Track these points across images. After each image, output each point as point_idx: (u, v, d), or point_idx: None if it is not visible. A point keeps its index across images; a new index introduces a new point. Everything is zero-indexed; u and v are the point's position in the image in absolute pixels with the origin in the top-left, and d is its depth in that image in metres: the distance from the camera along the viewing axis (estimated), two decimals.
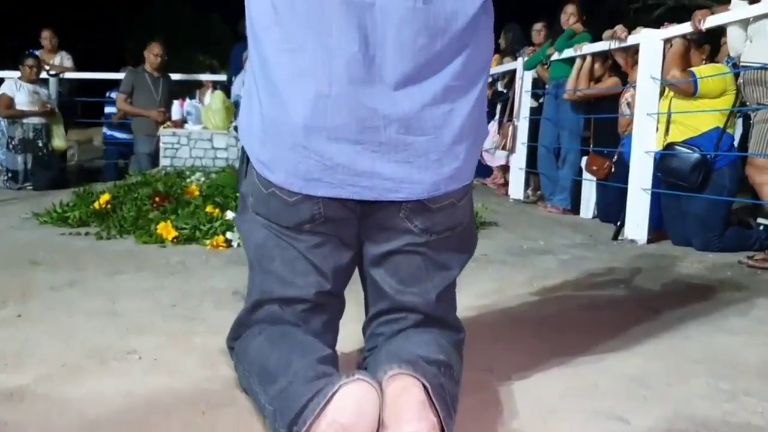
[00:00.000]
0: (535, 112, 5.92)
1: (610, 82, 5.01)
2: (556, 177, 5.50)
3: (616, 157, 4.81)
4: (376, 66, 1.21)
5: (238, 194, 4.11)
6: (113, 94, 7.41)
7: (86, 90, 8.19)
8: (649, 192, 4.12)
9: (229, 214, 3.65)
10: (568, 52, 5.24)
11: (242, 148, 1.42)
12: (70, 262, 2.83)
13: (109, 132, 7.41)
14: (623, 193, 4.31)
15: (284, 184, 1.26)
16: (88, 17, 24.31)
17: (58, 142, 6.76)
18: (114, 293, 2.33)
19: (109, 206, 3.81)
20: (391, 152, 1.23)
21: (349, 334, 1.56)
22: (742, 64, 3.56)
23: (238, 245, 3.39)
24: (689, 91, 3.85)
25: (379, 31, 1.20)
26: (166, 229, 3.38)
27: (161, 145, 5.24)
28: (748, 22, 3.52)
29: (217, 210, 3.68)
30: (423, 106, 1.23)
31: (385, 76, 1.22)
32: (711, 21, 3.69)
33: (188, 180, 4.67)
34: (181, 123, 5.39)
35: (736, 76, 3.77)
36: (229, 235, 3.39)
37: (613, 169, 4.83)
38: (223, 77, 7.69)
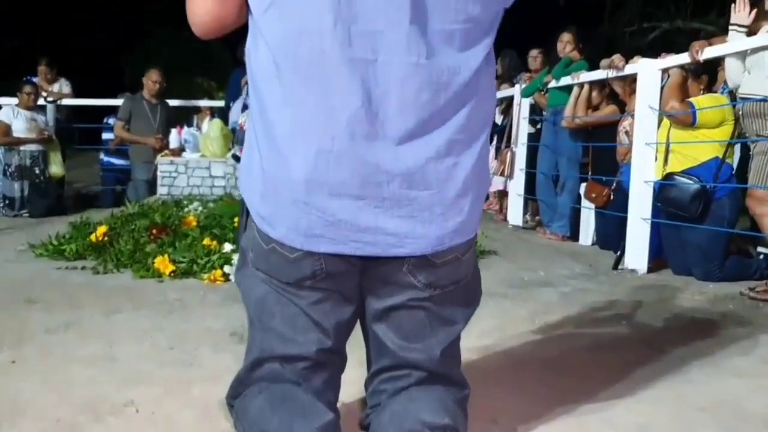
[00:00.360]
0: (533, 138, 5.92)
1: (608, 110, 5.02)
2: (554, 204, 5.49)
3: (614, 184, 4.81)
4: (379, 122, 1.19)
5: (236, 223, 4.12)
6: (111, 121, 7.41)
7: (84, 115, 8.19)
8: (649, 221, 4.11)
9: (227, 247, 3.63)
10: (565, 80, 5.25)
11: (242, 199, 1.40)
12: (67, 300, 2.80)
13: (106, 158, 7.38)
14: (622, 220, 4.30)
15: (285, 240, 1.24)
16: (87, 40, 24.46)
17: (56, 168, 6.75)
18: (111, 335, 2.30)
19: (105, 239, 3.78)
20: (394, 207, 1.21)
21: (351, 379, 1.53)
22: (740, 95, 3.56)
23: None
24: (688, 121, 3.85)
25: (381, 87, 1.19)
26: (163, 263, 3.35)
27: (159, 173, 5.23)
28: (746, 54, 3.53)
29: (214, 242, 3.66)
30: (427, 161, 1.21)
31: (388, 132, 1.20)
32: (709, 52, 3.70)
33: (186, 210, 4.64)
34: (179, 151, 5.37)
35: (735, 106, 3.77)
36: (226, 269, 3.37)
37: (611, 197, 4.83)
38: (221, 103, 7.69)
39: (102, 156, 7.44)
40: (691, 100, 3.89)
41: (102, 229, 3.85)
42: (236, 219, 4.22)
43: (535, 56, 6.15)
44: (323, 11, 1.16)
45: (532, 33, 7.32)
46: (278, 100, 1.21)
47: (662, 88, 4.12)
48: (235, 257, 3.53)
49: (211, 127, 5.46)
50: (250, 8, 1.25)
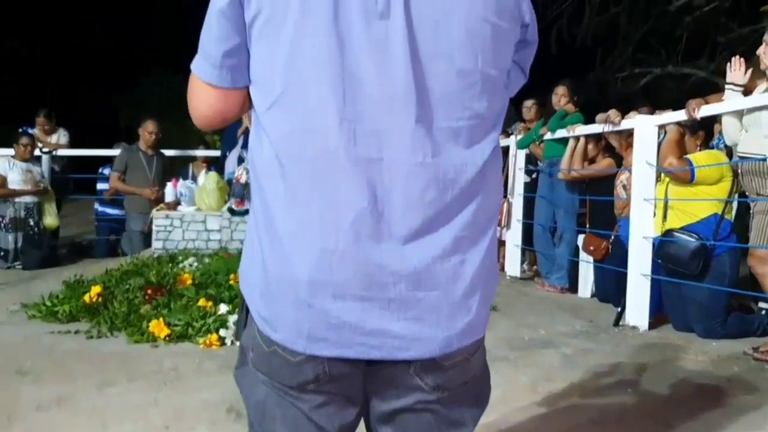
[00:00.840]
0: (529, 188, 5.92)
1: (604, 164, 5.03)
2: (552, 255, 5.46)
3: (612, 237, 4.79)
4: (384, 221, 1.16)
5: (231, 280, 4.07)
6: (106, 171, 7.39)
7: (79, 165, 8.19)
8: (649, 278, 4.08)
9: (222, 308, 3.57)
10: (561, 133, 5.27)
11: (241, 295, 1.36)
12: (59, 370, 2.73)
13: (100, 208, 7.36)
14: (621, 273, 4.28)
15: (287, 343, 1.20)
16: (83, 85, 24.64)
17: (50, 220, 6.71)
18: (104, 412, 2.24)
19: (99, 299, 3.72)
20: (400, 309, 1.17)
21: None
22: (739, 154, 3.56)
23: (232, 342, 3.30)
24: (686, 178, 3.85)
25: (387, 186, 1.16)
26: (158, 327, 3.29)
27: (154, 227, 5.18)
28: (743, 113, 3.54)
29: (210, 303, 3.61)
30: (433, 260, 1.18)
31: (393, 231, 1.17)
32: (705, 111, 3.72)
33: (181, 265, 4.59)
34: (175, 204, 5.34)
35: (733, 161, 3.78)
36: (222, 332, 3.31)
37: (610, 250, 4.80)
38: (217, 152, 7.69)
39: (97, 206, 7.41)
40: (689, 157, 3.89)
41: (96, 290, 3.79)
42: (231, 276, 4.18)
43: (529, 107, 6.19)
44: (328, 111, 1.14)
45: (525, 83, 7.36)
46: (282, 197, 1.19)
47: (659, 143, 4.13)
48: (231, 318, 3.48)
49: (207, 179, 5.44)
50: (253, 104, 1.23)
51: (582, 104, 5.40)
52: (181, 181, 5.56)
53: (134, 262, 4.73)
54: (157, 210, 5.31)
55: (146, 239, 6.51)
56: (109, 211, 7.26)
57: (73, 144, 7.87)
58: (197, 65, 1.24)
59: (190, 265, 4.60)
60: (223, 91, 1.23)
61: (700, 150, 4.04)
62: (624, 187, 4.59)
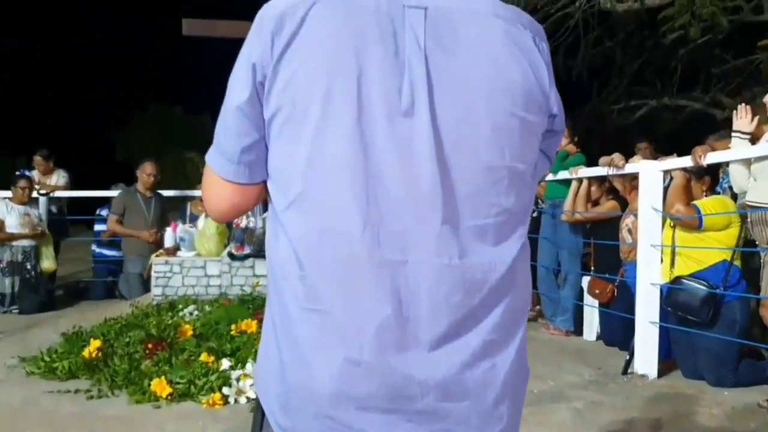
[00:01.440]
0: (530, 228, 5.86)
1: (608, 206, 4.99)
2: (557, 297, 5.40)
3: (618, 281, 4.74)
4: (409, 327, 1.11)
5: (232, 330, 3.99)
6: (104, 212, 7.34)
7: (77, 205, 8.14)
8: (658, 325, 4.02)
9: (225, 363, 3.49)
10: (563, 174, 5.24)
11: (257, 399, 1.29)
12: None
13: (98, 249, 7.28)
14: (628, 317, 4.23)
15: None
16: (80, 119, 24.71)
17: (47, 263, 6.64)
18: None
19: (99, 354, 3.64)
20: (428, 422, 1.11)
21: None
22: (748, 203, 3.53)
23: (235, 401, 3.22)
24: (694, 225, 3.81)
25: (412, 290, 1.10)
26: (160, 386, 3.21)
27: (153, 273, 5.11)
28: (751, 160, 3.52)
29: (212, 358, 3.53)
30: (462, 367, 1.12)
31: (419, 338, 1.11)
32: (712, 158, 3.69)
33: (181, 314, 4.52)
34: (174, 250, 5.28)
35: (741, 208, 3.75)
36: (225, 390, 3.23)
37: (615, 293, 4.75)
38: None
39: (94, 247, 7.34)
40: (696, 203, 3.86)
41: (95, 344, 3.71)
42: (233, 326, 4.10)
43: None
44: (351, 213, 1.08)
45: None
46: (301, 300, 1.13)
47: (665, 188, 4.10)
48: (233, 374, 3.40)
49: (206, 224, 5.38)
50: (271, 199, 1.18)
51: (582, 140, 5.38)
52: (180, 225, 5.50)
53: (133, 311, 4.65)
54: (157, 256, 5.24)
55: (144, 282, 6.44)
56: (107, 252, 7.19)
57: (70, 181, 7.84)
58: (213, 159, 1.19)
59: (191, 314, 4.53)
60: (241, 186, 1.18)
61: (706, 195, 4.01)
62: (629, 231, 4.55)
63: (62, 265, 7.54)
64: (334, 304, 1.10)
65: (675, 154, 4.13)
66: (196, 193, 7.99)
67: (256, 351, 3.71)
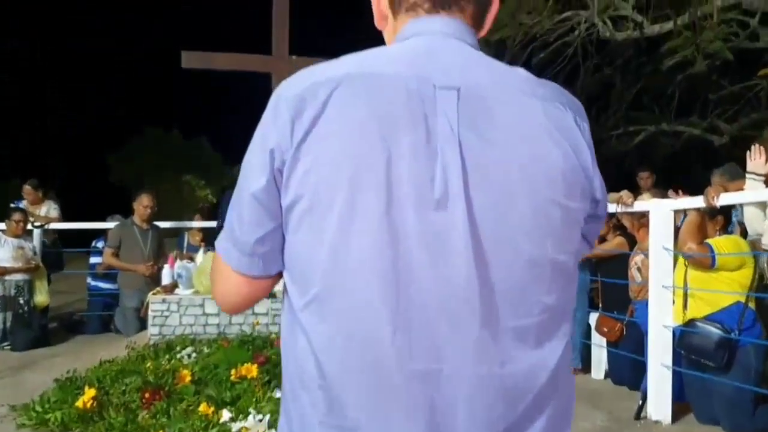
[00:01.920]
0: None
1: (615, 243, 4.90)
2: None
3: (626, 320, 4.63)
4: None
5: (232, 376, 3.85)
6: (99, 244, 7.21)
7: (71, 235, 8.01)
8: (671, 369, 3.90)
9: (225, 415, 3.36)
10: None
11: None
12: None
13: (93, 282, 7.15)
14: (637, 354, 4.12)
15: None
16: (76, 143, 24.64)
17: (41, 297, 6.51)
18: None
19: (94, 405, 3.50)
20: None
21: None
22: (764, 247, 3.43)
23: None
24: (707, 264, 3.72)
25: (448, 403, 0.99)
26: None
27: (150, 312, 4.98)
28: (766, 203, 3.43)
29: (212, 409, 3.39)
30: None
31: None
32: (725, 199, 3.60)
33: (179, 356, 4.39)
34: (172, 287, 5.15)
35: (753, 246, 3.66)
36: None
37: (624, 332, 4.65)
38: (212, 224, 7.53)
39: (89, 280, 7.20)
40: (709, 242, 3.76)
41: (90, 393, 3.56)
42: (233, 371, 3.97)
43: None
44: (378, 318, 0.97)
45: None
46: (322, 413, 1.01)
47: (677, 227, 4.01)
48: (234, 427, 3.27)
49: (205, 260, 5.25)
50: (287, 291, 1.07)
51: None
52: (178, 261, 5.37)
53: (129, 353, 4.52)
54: (154, 294, 5.11)
55: (141, 317, 6.30)
56: (102, 285, 7.06)
57: (64, 207, 7.74)
58: (225, 249, 1.08)
59: (189, 356, 4.40)
60: (253, 279, 1.08)
61: (719, 235, 3.92)
62: (638, 269, 4.45)
63: (56, 297, 7.41)
64: (359, 419, 0.99)
65: (680, 192, 4.01)
66: (194, 223, 7.88)
67: (256, 400, 3.61)
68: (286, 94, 1.01)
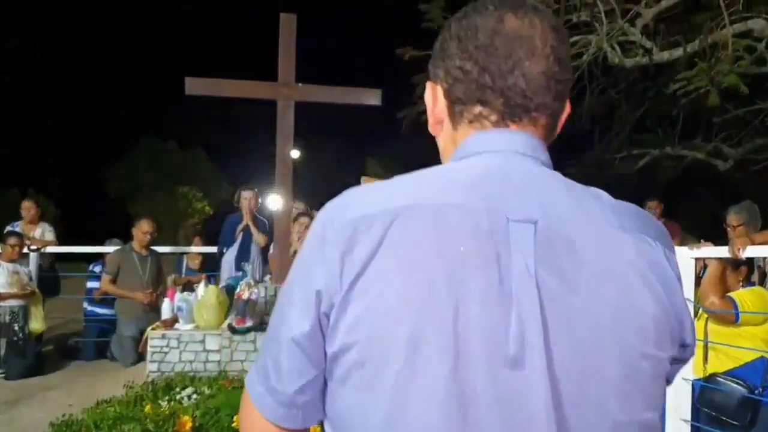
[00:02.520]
0: None
1: None
2: None
3: None
4: None
5: (234, 422, 3.70)
6: (96, 268, 7.06)
7: (67, 257, 7.87)
8: (690, 424, 3.76)
9: None
10: None
11: None
12: None
13: (90, 307, 6.99)
14: None
15: None
16: (76, 144, 24.49)
17: (36, 324, 6.36)
18: None
19: None
20: None
21: None
22: None
23: None
24: (730, 319, 3.59)
25: None
26: None
27: (149, 348, 4.82)
28: None
29: None
30: None
31: None
32: (752, 251, 3.47)
33: (178, 397, 4.23)
34: (171, 322, 5.00)
35: None
36: None
37: None
38: (212, 249, 7.39)
39: (86, 305, 7.04)
40: (732, 296, 3.63)
41: None
42: (235, 418, 3.82)
43: None
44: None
45: None
46: None
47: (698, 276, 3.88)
48: None
49: (206, 293, 5.10)
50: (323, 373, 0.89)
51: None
52: (178, 294, 5.22)
53: (127, 393, 4.35)
54: (153, 329, 4.95)
55: (138, 345, 6.14)
56: (99, 310, 6.89)
57: (61, 218, 7.60)
58: (258, 396, 0.93)
59: (189, 398, 4.24)
60: (290, 431, 0.94)
61: (742, 286, 3.79)
62: None
63: (52, 320, 7.24)
64: None
65: (702, 241, 3.88)
66: (192, 249, 7.74)
67: None
68: (335, 224, 0.87)
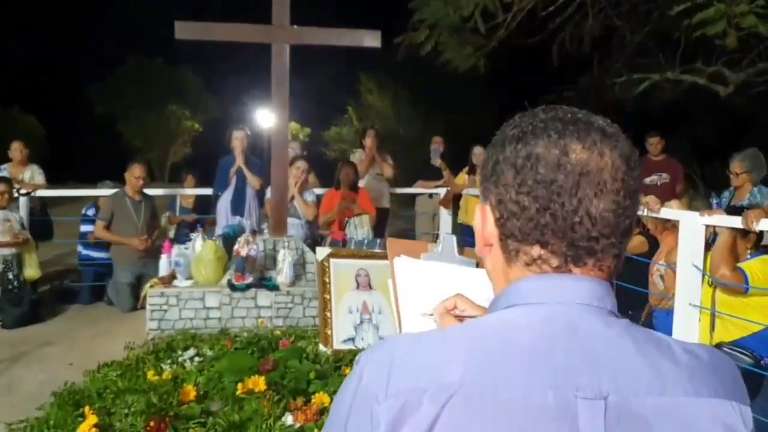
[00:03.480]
0: None
1: (635, 242, 4.69)
2: None
3: (642, 321, 4.49)
4: None
5: (239, 395, 3.69)
6: (90, 212, 6.92)
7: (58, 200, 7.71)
8: None
9: None
10: None
11: None
12: None
13: (84, 251, 6.89)
14: None
15: None
16: (58, 74, 23.81)
17: (30, 271, 6.27)
18: None
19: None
20: None
21: None
22: None
23: None
24: (739, 291, 3.54)
25: None
26: None
27: (148, 306, 4.75)
28: None
29: None
30: None
31: None
32: (766, 224, 3.39)
33: (180, 359, 4.21)
34: (170, 278, 4.92)
35: None
36: None
37: None
38: (207, 191, 7.24)
39: (80, 249, 6.94)
40: (743, 266, 3.57)
41: (91, 420, 3.38)
42: (239, 385, 3.81)
43: None
44: None
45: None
46: None
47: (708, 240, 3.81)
48: None
49: (204, 248, 5.01)
50: None
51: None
52: (175, 247, 5.11)
53: (129, 356, 4.32)
54: (151, 286, 4.88)
55: (134, 290, 6.11)
56: (94, 254, 6.80)
57: (46, 129, 7.42)
58: None
59: (191, 360, 4.22)
60: None
61: (751, 254, 3.72)
62: (661, 277, 4.27)
63: (46, 265, 7.16)
64: None
65: (713, 211, 3.78)
66: (187, 191, 7.60)
67: (266, 424, 3.46)
68: (381, 394, 0.76)
